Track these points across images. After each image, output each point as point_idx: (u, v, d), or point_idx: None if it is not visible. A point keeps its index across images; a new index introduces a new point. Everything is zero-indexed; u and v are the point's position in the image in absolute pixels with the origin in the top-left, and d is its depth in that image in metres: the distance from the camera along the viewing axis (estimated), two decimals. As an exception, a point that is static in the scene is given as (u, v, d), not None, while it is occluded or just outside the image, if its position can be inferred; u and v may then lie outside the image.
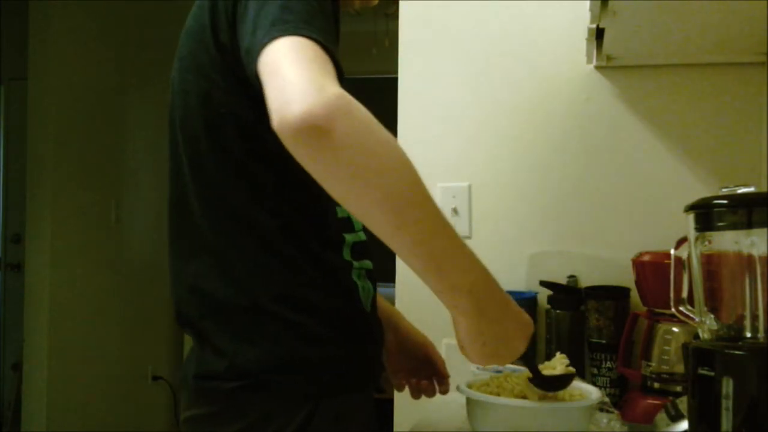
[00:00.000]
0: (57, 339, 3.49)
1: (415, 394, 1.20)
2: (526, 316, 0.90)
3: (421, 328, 1.21)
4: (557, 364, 1.04)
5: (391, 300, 1.61)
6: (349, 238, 0.97)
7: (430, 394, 1.19)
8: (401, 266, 1.64)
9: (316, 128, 0.72)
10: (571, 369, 1.02)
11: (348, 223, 0.98)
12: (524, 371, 1.16)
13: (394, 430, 1.59)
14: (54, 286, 3.49)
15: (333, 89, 0.74)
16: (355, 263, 0.97)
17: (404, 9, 1.68)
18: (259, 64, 0.78)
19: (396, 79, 1.66)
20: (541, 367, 1.01)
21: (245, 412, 0.89)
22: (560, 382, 0.99)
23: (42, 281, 3.49)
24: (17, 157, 4.05)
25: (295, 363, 0.89)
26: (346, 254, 0.96)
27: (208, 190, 0.93)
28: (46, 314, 3.47)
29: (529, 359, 0.96)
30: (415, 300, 1.62)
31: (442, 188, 1.62)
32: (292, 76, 0.74)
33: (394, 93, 1.66)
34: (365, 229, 1.02)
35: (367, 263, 1.00)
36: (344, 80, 0.81)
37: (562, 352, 1.44)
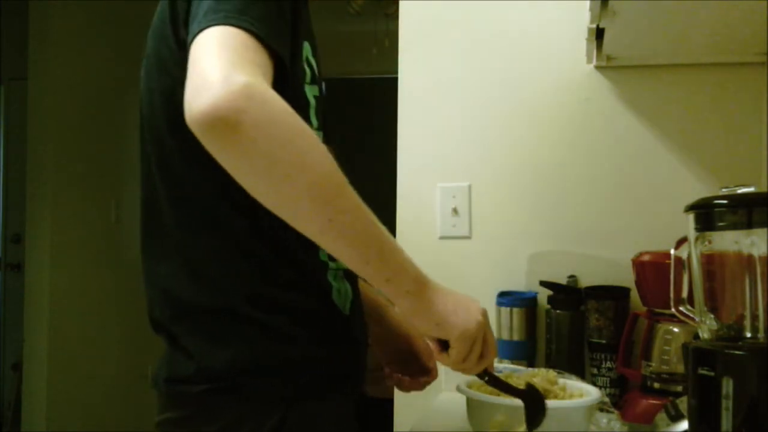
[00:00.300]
0: (57, 339, 3.49)
1: (403, 389, 1.17)
2: (470, 300, 0.90)
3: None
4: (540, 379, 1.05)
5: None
6: None
7: (415, 388, 1.16)
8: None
9: (221, 120, 0.68)
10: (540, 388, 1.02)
11: None
12: (524, 371, 1.16)
13: (394, 430, 1.59)
14: (54, 286, 3.49)
15: (240, 78, 0.70)
16: (331, 264, 0.94)
17: (404, 9, 1.68)
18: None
19: (396, 79, 1.66)
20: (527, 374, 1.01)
21: (216, 416, 0.86)
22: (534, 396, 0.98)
23: (42, 281, 3.49)
24: (17, 157, 4.05)
25: (266, 365, 0.87)
26: (322, 255, 0.93)
27: (176, 189, 0.91)
28: (46, 314, 3.47)
29: (496, 379, 0.96)
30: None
31: (442, 188, 1.62)
32: (204, 66, 0.72)
33: (394, 93, 1.66)
34: None
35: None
36: (289, 70, 0.79)
37: (561, 352, 1.45)
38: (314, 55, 0.97)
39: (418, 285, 0.83)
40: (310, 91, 0.93)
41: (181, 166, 0.90)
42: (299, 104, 0.88)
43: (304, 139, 0.73)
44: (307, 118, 0.90)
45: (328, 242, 0.77)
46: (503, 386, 0.97)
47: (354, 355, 0.96)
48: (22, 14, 3.59)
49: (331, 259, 0.94)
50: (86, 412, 3.63)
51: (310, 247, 0.90)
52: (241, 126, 0.69)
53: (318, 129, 0.93)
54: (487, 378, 0.94)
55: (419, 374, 1.14)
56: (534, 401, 0.96)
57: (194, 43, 0.76)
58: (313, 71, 0.94)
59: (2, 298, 4.37)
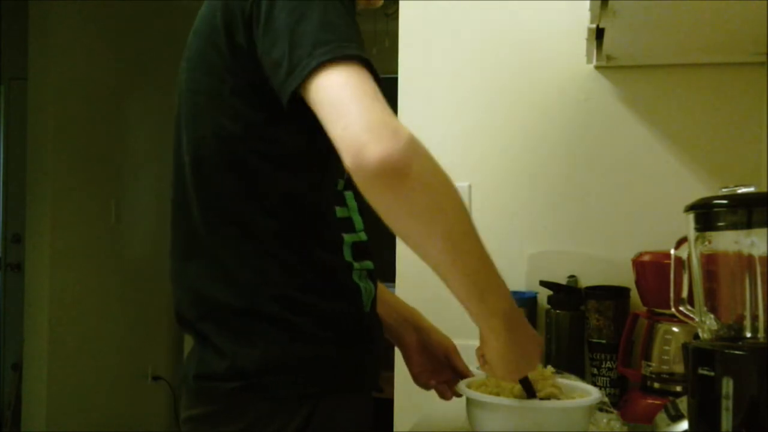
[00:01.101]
0: (57, 339, 3.49)
1: (446, 398, 1.19)
2: (538, 336, 0.98)
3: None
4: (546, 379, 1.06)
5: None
6: (348, 238, 0.97)
7: (446, 397, 1.18)
8: (401, 266, 1.64)
9: (396, 171, 0.75)
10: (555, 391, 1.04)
11: (348, 224, 0.98)
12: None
13: (394, 430, 1.59)
14: (54, 286, 3.49)
15: (405, 131, 0.77)
16: (356, 264, 0.97)
17: (404, 9, 1.68)
18: (311, 91, 0.80)
19: (396, 79, 1.66)
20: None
21: (245, 413, 0.89)
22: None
23: (42, 281, 3.49)
24: (17, 157, 4.05)
25: (293, 364, 0.90)
26: (347, 255, 0.96)
27: (207, 190, 0.94)
28: (46, 314, 3.47)
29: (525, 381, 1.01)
30: (415, 300, 1.61)
31: (442, 188, 1.62)
32: (361, 117, 0.77)
33: (394, 93, 1.66)
34: (366, 229, 1.03)
35: (368, 264, 1.01)
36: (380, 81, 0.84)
37: (561, 352, 1.45)
38: None
39: (504, 327, 0.91)
40: None
41: (217, 170, 0.92)
42: None
43: (450, 187, 0.83)
44: None
45: (446, 274, 0.86)
46: (527, 387, 1.00)
47: (372, 352, 0.99)
48: (22, 14, 3.59)
49: (356, 259, 0.97)
50: (86, 412, 3.63)
51: (336, 250, 0.95)
52: (409, 176, 0.76)
53: None
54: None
55: (454, 381, 1.16)
56: None
57: (320, 80, 0.79)
58: None
59: (2, 298, 4.37)
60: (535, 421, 0.96)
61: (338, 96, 0.79)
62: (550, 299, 1.50)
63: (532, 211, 1.59)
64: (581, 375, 1.41)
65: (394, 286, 1.64)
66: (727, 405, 0.81)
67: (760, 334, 0.88)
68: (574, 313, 1.47)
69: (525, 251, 1.58)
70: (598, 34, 1.37)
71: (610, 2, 1.15)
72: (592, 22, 1.27)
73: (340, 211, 0.97)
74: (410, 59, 1.67)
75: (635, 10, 1.19)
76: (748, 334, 0.89)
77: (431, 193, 0.80)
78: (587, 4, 1.24)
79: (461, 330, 1.54)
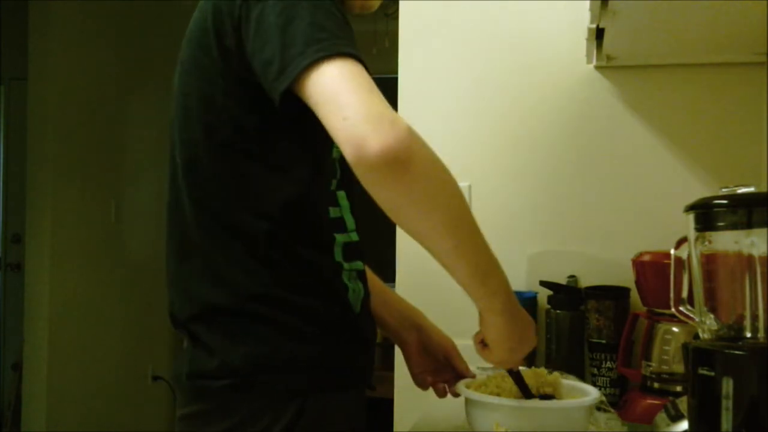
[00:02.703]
0: (57, 339, 3.49)
1: (438, 394, 1.19)
2: (532, 319, 1.00)
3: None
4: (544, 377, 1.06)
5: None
6: (339, 238, 0.97)
7: (442, 395, 1.19)
8: (401, 266, 1.64)
9: (397, 162, 0.76)
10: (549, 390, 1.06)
11: (340, 224, 0.99)
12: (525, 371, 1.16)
13: (394, 430, 1.59)
14: (54, 286, 3.49)
15: (403, 122, 0.78)
16: (346, 265, 0.98)
17: (404, 9, 1.68)
18: (307, 87, 0.80)
19: (396, 79, 1.66)
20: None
21: (235, 410, 0.90)
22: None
23: (42, 281, 3.49)
24: (17, 157, 4.06)
25: (282, 361, 0.91)
26: (337, 255, 0.97)
27: (200, 193, 0.94)
28: (46, 314, 3.47)
29: (518, 375, 1.03)
30: (415, 300, 1.61)
31: (442, 188, 1.62)
32: (359, 108, 0.78)
33: (394, 93, 1.66)
34: (364, 229, 1.03)
35: (358, 264, 1.01)
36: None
37: (561, 352, 1.45)
38: None
39: (505, 306, 0.93)
40: None
41: (209, 173, 0.93)
42: None
43: (448, 175, 0.84)
44: None
45: (449, 260, 0.88)
46: (522, 385, 1.02)
47: (364, 351, 1.00)
48: (22, 14, 3.59)
49: (346, 260, 0.98)
50: (86, 412, 3.63)
51: (327, 251, 0.95)
52: (411, 166, 0.78)
53: None
54: (509, 371, 1.02)
55: (453, 382, 1.15)
56: None
57: (316, 76, 0.80)
58: None
59: (2, 298, 4.37)
60: (534, 421, 0.96)
61: (335, 89, 0.79)
62: (550, 299, 1.50)
63: (532, 211, 1.59)
64: (581, 375, 1.42)
65: (394, 286, 1.64)
66: (727, 405, 0.81)
67: (760, 334, 0.88)
68: (574, 313, 1.47)
69: (525, 251, 1.58)
70: (598, 34, 1.37)
71: (610, 2, 1.15)
72: (592, 22, 1.28)
73: (333, 212, 0.97)
74: (410, 59, 1.67)
75: (635, 10, 1.19)
76: (748, 334, 0.89)
77: (432, 181, 0.81)
78: (587, 4, 1.24)
79: (461, 330, 1.54)
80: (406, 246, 1.65)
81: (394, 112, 0.79)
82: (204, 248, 0.94)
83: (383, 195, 0.80)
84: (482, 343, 0.98)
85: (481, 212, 1.60)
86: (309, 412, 0.90)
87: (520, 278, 1.57)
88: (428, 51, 1.66)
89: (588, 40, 1.41)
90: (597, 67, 1.57)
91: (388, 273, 1.64)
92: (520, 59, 1.61)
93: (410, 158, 0.77)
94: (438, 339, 1.18)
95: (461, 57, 1.64)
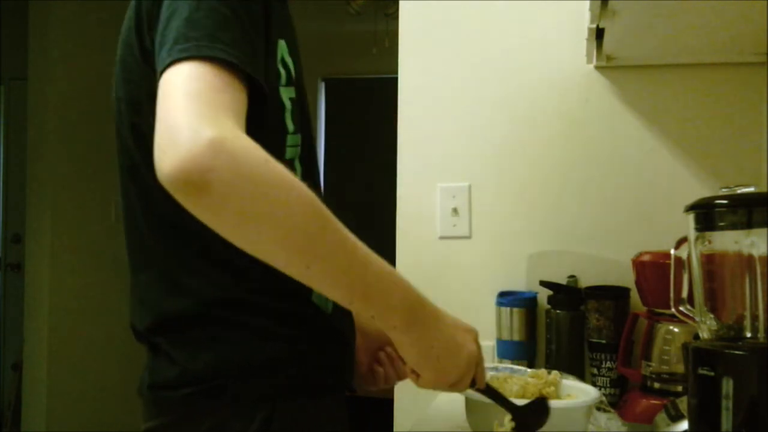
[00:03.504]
0: (57, 339, 3.50)
1: (380, 381, 1.11)
2: (465, 323, 0.90)
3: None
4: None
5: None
6: None
7: (391, 380, 1.11)
8: (401, 267, 1.64)
9: (189, 182, 0.67)
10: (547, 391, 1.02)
11: None
12: (524, 372, 1.16)
13: (394, 430, 1.59)
14: (54, 286, 3.50)
15: (207, 132, 0.67)
16: None
17: (404, 9, 1.68)
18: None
19: (396, 79, 1.66)
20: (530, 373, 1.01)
21: (200, 421, 0.85)
22: (535, 412, 0.96)
23: (42, 281, 3.49)
24: (17, 157, 4.06)
25: (248, 366, 0.86)
26: None
27: (146, 199, 0.90)
28: (46, 314, 3.47)
29: (494, 393, 0.95)
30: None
31: (442, 188, 1.63)
32: (172, 117, 0.70)
33: (394, 93, 1.66)
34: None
35: None
36: (276, 88, 0.78)
37: (561, 352, 1.45)
38: (292, 53, 0.93)
39: (407, 324, 0.82)
40: (286, 94, 0.90)
41: (149, 178, 0.83)
42: (275, 110, 0.88)
43: (279, 189, 0.71)
44: (281, 123, 0.89)
45: (311, 284, 0.77)
46: (497, 398, 0.96)
47: (340, 353, 0.95)
48: (22, 14, 3.59)
49: None
50: (86, 412, 3.63)
51: None
52: (210, 186, 0.67)
53: (294, 132, 0.91)
54: (474, 388, 0.93)
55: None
56: (532, 415, 0.95)
57: (163, 80, 0.74)
58: (288, 72, 0.91)
59: (2, 298, 4.37)
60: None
61: (166, 93, 0.73)
62: (550, 299, 1.50)
63: (532, 211, 1.59)
64: (581, 375, 1.42)
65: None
66: (727, 405, 0.81)
67: (760, 334, 0.88)
68: (574, 313, 1.47)
69: (525, 251, 1.58)
70: (598, 34, 1.37)
71: (610, 2, 1.15)
72: (592, 22, 1.27)
73: None
74: (410, 59, 1.67)
75: (635, 10, 1.19)
76: (748, 334, 0.90)
77: (249, 200, 0.69)
78: (587, 4, 1.24)
79: (461, 330, 1.55)
80: (406, 246, 1.65)
81: (209, 122, 0.69)
82: (158, 256, 0.89)
83: (197, 216, 0.70)
84: (411, 370, 0.87)
85: (481, 212, 1.62)
86: (279, 419, 0.85)
87: (520, 278, 1.57)
88: (428, 51, 1.66)
89: (588, 40, 1.41)
90: (597, 67, 1.57)
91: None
92: (520, 59, 1.61)
93: (207, 182, 0.66)
94: (376, 332, 1.06)
95: (461, 57, 1.64)
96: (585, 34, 1.39)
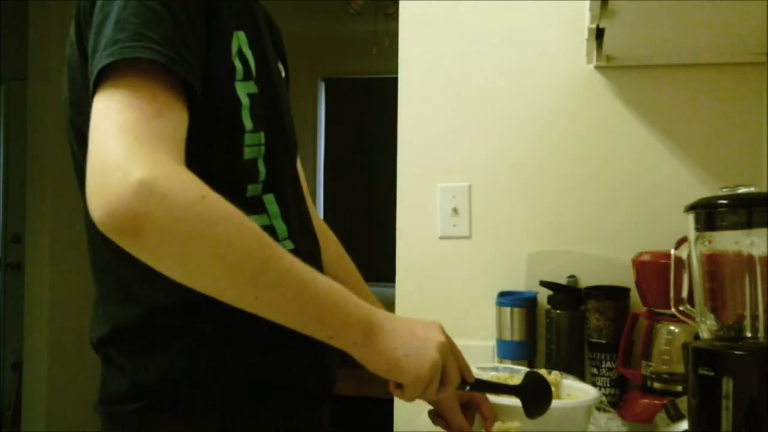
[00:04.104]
0: (57, 339, 3.49)
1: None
2: (424, 319, 0.86)
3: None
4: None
5: (392, 299, 1.61)
6: None
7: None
8: (401, 266, 1.64)
9: (120, 229, 0.66)
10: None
11: (269, 233, 0.84)
12: (524, 372, 1.16)
13: (394, 430, 1.59)
14: (54, 286, 3.49)
15: (137, 172, 0.65)
16: None
17: (404, 9, 1.68)
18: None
19: (396, 79, 1.66)
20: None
21: None
22: (536, 390, 0.94)
23: (42, 281, 3.49)
24: (17, 157, 4.05)
25: (200, 375, 0.82)
26: None
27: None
28: (46, 314, 3.47)
29: (488, 384, 0.93)
30: (415, 300, 1.62)
31: (442, 188, 1.63)
32: (102, 157, 0.67)
33: (394, 93, 1.66)
34: (302, 233, 0.94)
35: None
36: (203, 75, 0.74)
37: (561, 352, 1.45)
38: (254, 46, 0.88)
39: (365, 335, 0.79)
40: (243, 89, 0.86)
41: None
42: (229, 106, 0.84)
43: (217, 226, 0.69)
44: (237, 121, 0.85)
45: (263, 314, 0.74)
46: (493, 387, 0.96)
47: (314, 365, 0.89)
48: (22, 14, 3.59)
49: None
50: (86, 412, 3.62)
51: None
52: (144, 231, 0.65)
53: (254, 131, 0.86)
54: (468, 388, 0.90)
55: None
56: (534, 390, 0.94)
57: (94, 110, 0.71)
58: (247, 66, 0.86)
59: (2, 298, 4.37)
60: (534, 420, 0.96)
61: (97, 128, 0.70)
62: (550, 299, 1.50)
63: (532, 211, 1.59)
64: (581, 375, 1.42)
65: (394, 286, 1.64)
66: (727, 405, 0.81)
67: (760, 334, 0.88)
68: (574, 313, 1.47)
69: (525, 251, 1.58)
70: (598, 34, 1.37)
71: (610, 2, 1.15)
72: (592, 22, 1.27)
73: (256, 220, 0.85)
74: (410, 59, 1.66)
75: (635, 10, 1.19)
76: (748, 334, 0.90)
77: (185, 239, 0.67)
78: (587, 4, 1.24)
79: (461, 330, 1.55)
80: (406, 246, 1.65)
81: (138, 159, 0.66)
82: (111, 264, 0.86)
83: (134, 255, 0.68)
84: (395, 385, 0.83)
85: (481, 212, 1.62)
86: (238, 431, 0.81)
87: (520, 278, 1.57)
88: (428, 51, 1.66)
89: (588, 40, 1.41)
90: (597, 67, 1.57)
91: (387, 273, 1.64)
92: (520, 59, 1.61)
93: (140, 227, 0.65)
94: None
95: (461, 57, 1.64)
96: (585, 34, 1.39)
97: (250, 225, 0.72)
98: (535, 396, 0.94)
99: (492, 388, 0.96)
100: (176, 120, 0.73)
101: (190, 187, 0.69)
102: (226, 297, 0.72)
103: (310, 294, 0.76)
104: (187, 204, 0.67)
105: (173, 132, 0.72)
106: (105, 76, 0.72)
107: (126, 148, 0.67)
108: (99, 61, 0.72)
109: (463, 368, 0.88)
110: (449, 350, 0.84)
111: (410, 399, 0.83)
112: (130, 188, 0.65)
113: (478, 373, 1.13)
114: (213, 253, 0.69)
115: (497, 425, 0.99)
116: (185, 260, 0.69)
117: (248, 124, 0.86)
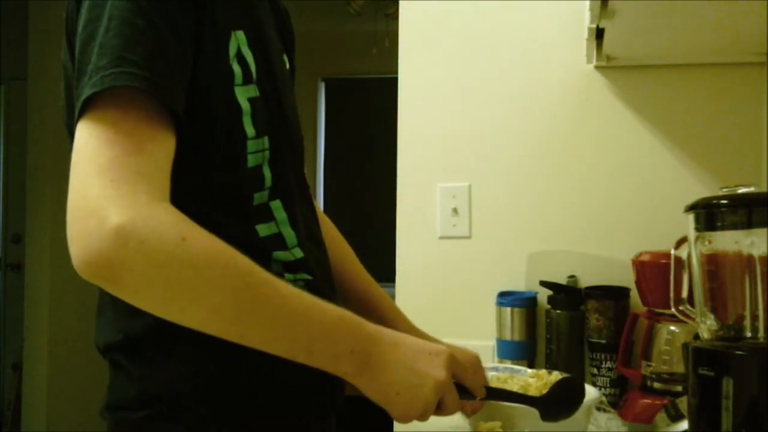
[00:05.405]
0: (57, 339, 3.49)
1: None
2: (433, 345, 0.83)
3: (422, 328, 1.20)
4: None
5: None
6: (279, 256, 0.86)
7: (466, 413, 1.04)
8: (401, 266, 1.64)
9: (99, 278, 0.65)
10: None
11: (277, 241, 0.87)
12: (524, 372, 1.16)
13: (395, 430, 1.59)
14: (54, 286, 3.50)
15: (114, 219, 0.64)
16: (288, 275, 0.86)
17: (404, 9, 1.68)
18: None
19: (396, 79, 1.66)
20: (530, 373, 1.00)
21: None
22: (560, 397, 0.93)
23: (42, 281, 3.49)
24: (17, 157, 4.05)
25: (206, 386, 0.80)
26: (275, 267, 0.85)
27: None
28: (46, 314, 3.47)
29: (503, 392, 0.92)
30: (415, 300, 1.62)
31: (442, 188, 1.62)
32: (80, 200, 0.66)
33: (394, 93, 1.66)
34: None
35: (305, 276, 0.88)
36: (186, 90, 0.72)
37: (561, 352, 1.45)
38: (254, 45, 0.86)
39: (359, 367, 0.77)
40: (244, 94, 0.83)
41: None
42: (229, 114, 0.81)
43: (199, 268, 0.68)
44: (238, 129, 0.82)
45: (249, 345, 0.73)
46: (510, 397, 0.94)
47: (318, 375, 0.84)
48: (22, 14, 3.59)
49: (288, 271, 0.87)
50: (86, 412, 3.63)
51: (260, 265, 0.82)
52: (122, 279, 0.65)
53: (257, 136, 0.84)
54: (479, 399, 0.89)
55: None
56: (557, 401, 0.92)
57: (75, 146, 0.70)
58: (246, 69, 0.84)
59: (2, 298, 4.37)
60: (534, 420, 0.96)
61: (77, 165, 0.68)
62: (550, 299, 1.50)
63: (532, 211, 1.59)
64: (581, 375, 1.42)
65: (394, 286, 1.64)
66: (727, 405, 0.81)
67: (760, 334, 0.88)
68: (574, 313, 1.47)
69: (525, 251, 1.58)
70: (598, 34, 1.37)
71: (610, 2, 1.15)
72: (592, 22, 1.28)
73: (264, 229, 0.85)
74: (410, 59, 1.66)
75: (635, 10, 1.19)
76: (748, 334, 0.90)
77: (169, 286, 0.67)
78: (587, 4, 1.24)
79: (462, 330, 1.55)
80: (406, 246, 1.65)
81: (115, 202, 0.65)
82: None
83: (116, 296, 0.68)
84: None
85: (481, 212, 1.62)
86: None
87: (520, 278, 1.57)
88: (428, 51, 1.65)
89: (588, 40, 1.41)
90: (597, 67, 1.57)
91: (388, 273, 1.64)
92: (520, 59, 1.61)
93: (117, 276, 0.64)
94: (464, 356, 1.00)
95: (461, 57, 1.64)
96: (585, 34, 1.39)
97: (236, 264, 0.70)
98: (558, 406, 0.92)
99: (509, 397, 0.94)
100: (158, 152, 0.71)
101: (169, 230, 0.67)
102: (212, 333, 0.72)
103: (302, 328, 0.74)
104: (165, 249, 0.66)
105: (154, 167, 0.70)
106: (89, 105, 0.70)
107: (103, 191, 0.65)
108: (83, 90, 0.70)
109: (474, 387, 0.86)
110: (448, 388, 0.82)
111: (398, 421, 0.81)
112: (107, 235, 0.64)
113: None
114: (194, 296, 0.68)
115: (481, 425, 0.99)
116: (167, 303, 0.69)
117: (250, 130, 0.83)
